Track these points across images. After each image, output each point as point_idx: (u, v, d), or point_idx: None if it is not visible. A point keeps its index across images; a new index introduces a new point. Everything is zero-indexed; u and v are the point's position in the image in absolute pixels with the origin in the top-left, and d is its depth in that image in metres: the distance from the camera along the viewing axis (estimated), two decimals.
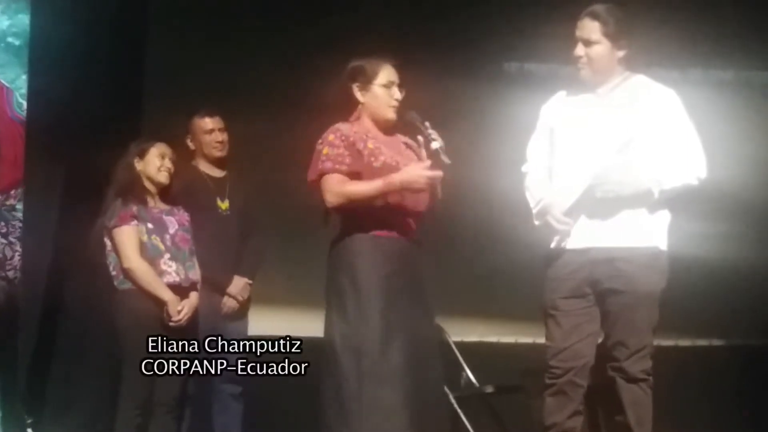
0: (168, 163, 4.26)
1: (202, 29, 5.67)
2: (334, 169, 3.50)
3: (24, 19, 5.07)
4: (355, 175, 3.51)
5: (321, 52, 5.59)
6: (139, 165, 4.24)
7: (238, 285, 4.57)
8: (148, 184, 4.24)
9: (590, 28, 3.55)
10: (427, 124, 3.56)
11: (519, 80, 5.85)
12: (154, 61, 5.56)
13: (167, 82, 5.53)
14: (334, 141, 3.54)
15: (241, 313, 4.63)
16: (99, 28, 5.19)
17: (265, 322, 5.02)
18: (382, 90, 3.60)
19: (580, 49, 3.57)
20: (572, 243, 3.53)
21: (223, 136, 4.67)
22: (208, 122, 4.65)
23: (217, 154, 4.66)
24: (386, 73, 3.61)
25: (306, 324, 5.57)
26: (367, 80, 3.61)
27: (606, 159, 3.45)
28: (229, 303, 4.56)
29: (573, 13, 3.67)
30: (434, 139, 3.52)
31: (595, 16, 3.55)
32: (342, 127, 3.59)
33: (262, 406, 4.90)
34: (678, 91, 3.60)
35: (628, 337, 3.46)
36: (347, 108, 3.66)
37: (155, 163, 4.24)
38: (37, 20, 5.04)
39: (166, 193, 4.29)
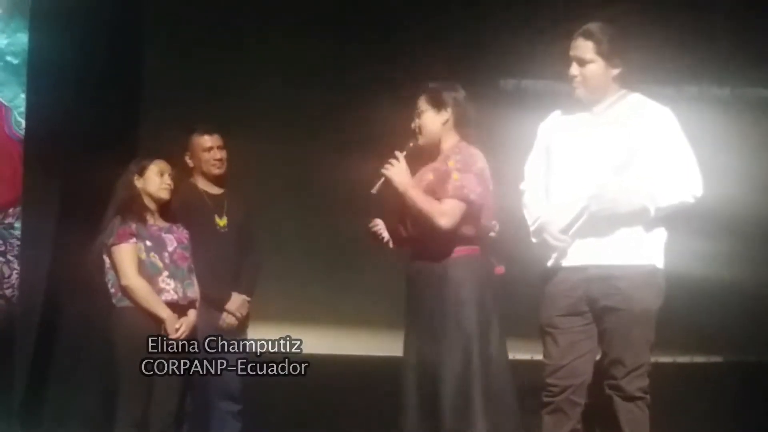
0: (168, 180, 4.26)
1: (199, 47, 5.70)
2: None
3: (22, 38, 5.09)
4: None
5: (320, 69, 5.63)
6: (138, 182, 4.24)
7: (237, 302, 4.57)
8: (147, 202, 4.24)
9: (584, 47, 3.56)
10: (396, 153, 3.81)
11: (515, 97, 5.87)
12: (152, 78, 5.59)
13: (165, 99, 5.55)
14: None
15: (241, 329, 4.62)
16: (97, 47, 5.21)
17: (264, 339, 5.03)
18: None
19: (574, 69, 3.58)
20: (569, 261, 3.53)
21: (221, 154, 4.68)
22: (207, 140, 4.66)
23: (216, 171, 4.66)
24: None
25: (304, 341, 5.61)
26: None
27: (603, 178, 3.46)
28: (228, 319, 4.55)
29: (569, 30, 3.69)
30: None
31: (588, 36, 3.56)
32: None
33: (260, 424, 4.88)
34: (674, 107, 3.61)
35: (625, 355, 3.44)
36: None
37: (155, 181, 4.24)
38: (35, 39, 5.07)
39: (165, 211, 4.29)
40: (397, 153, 3.77)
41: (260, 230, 4.80)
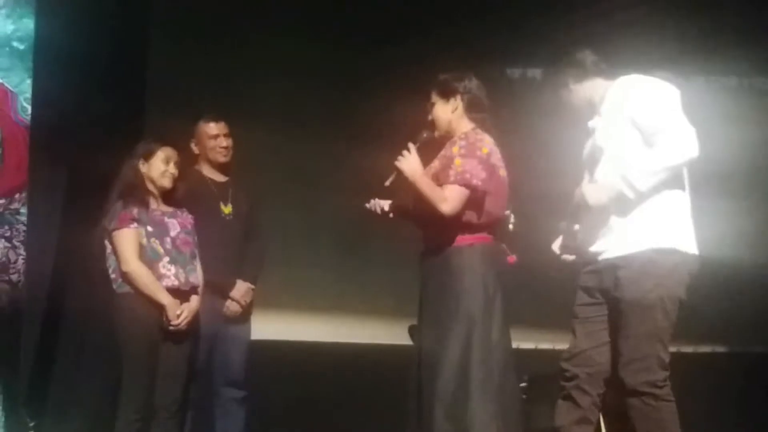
0: (172, 168, 4.23)
1: (205, 34, 5.69)
2: None
3: (29, 24, 5.08)
4: None
5: (326, 59, 5.62)
6: (143, 167, 4.22)
7: (241, 289, 4.57)
8: (151, 186, 4.22)
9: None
10: (410, 144, 3.77)
11: (521, 86, 5.85)
12: (158, 65, 5.59)
13: (171, 86, 5.55)
14: None
15: (244, 317, 4.62)
16: (103, 33, 5.20)
17: (268, 327, 5.03)
18: None
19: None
20: (586, 256, 3.58)
21: (227, 142, 4.67)
22: (213, 127, 4.65)
23: (221, 159, 4.66)
24: None
25: (308, 328, 5.61)
26: None
27: (583, 179, 3.55)
28: (232, 307, 4.55)
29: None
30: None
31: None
32: None
33: (265, 411, 4.89)
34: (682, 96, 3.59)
35: (624, 346, 3.41)
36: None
37: (160, 168, 4.21)
38: (41, 25, 5.06)
39: (170, 195, 4.26)
40: (410, 144, 3.76)
41: (265, 218, 4.80)
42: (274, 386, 5.06)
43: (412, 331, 4.02)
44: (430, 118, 3.88)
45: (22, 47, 5.09)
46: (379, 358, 5.16)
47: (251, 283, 4.61)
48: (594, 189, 3.44)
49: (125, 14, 5.33)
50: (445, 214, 3.70)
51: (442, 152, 3.84)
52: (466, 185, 3.70)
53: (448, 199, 3.70)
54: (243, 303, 4.58)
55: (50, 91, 5.04)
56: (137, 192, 4.17)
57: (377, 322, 5.57)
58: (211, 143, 4.64)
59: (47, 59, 5.06)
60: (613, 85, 3.56)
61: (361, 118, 5.53)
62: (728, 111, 5.48)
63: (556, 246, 3.74)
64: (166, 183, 4.23)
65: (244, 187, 4.70)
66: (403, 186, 3.76)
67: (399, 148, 3.79)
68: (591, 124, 3.59)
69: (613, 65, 3.63)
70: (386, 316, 5.39)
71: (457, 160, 3.72)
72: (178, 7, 5.71)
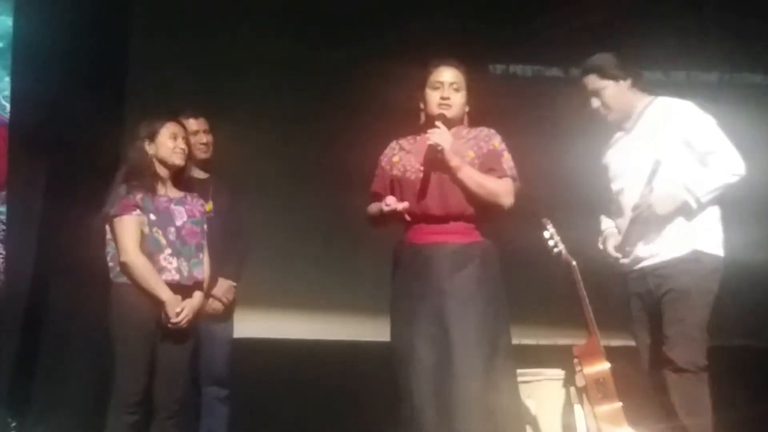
0: (182, 144, 3.96)
1: (186, 31, 5.67)
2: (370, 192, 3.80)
3: (7, 21, 5.06)
4: (376, 195, 3.75)
5: (307, 54, 5.61)
6: (150, 148, 3.92)
7: (223, 287, 4.54)
8: (160, 169, 3.94)
9: (592, 80, 3.85)
10: (438, 123, 3.65)
11: (505, 82, 5.86)
12: (138, 62, 5.56)
13: (151, 83, 5.52)
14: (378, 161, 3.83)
15: (226, 315, 4.60)
16: (82, 30, 5.19)
17: (251, 325, 5.02)
18: (430, 92, 3.72)
19: (594, 102, 3.86)
20: (630, 267, 3.86)
21: (207, 138, 4.66)
22: (193, 123, 4.62)
23: (201, 155, 4.64)
24: (435, 75, 3.72)
25: (291, 326, 5.59)
26: (421, 85, 3.75)
27: (641, 189, 3.70)
28: (213, 305, 4.52)
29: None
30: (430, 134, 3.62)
31: (591, 70, 3.86)
32: (389, 146, 3.82)
33: (248, 410, 4.87)
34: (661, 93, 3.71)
35: (672, 331, 3.66)
36: (418, 115, 3.81)
37: (168, 145, 3.93)
38: (20, 22, 5.04)
39: (180, 179, 4.01)
40: (438, 123, 3.62)
41: (247, 215, 4.77)
42: (257, 384, 5.04)
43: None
44: (455, 97, 3.68)
45: (0, 45, 5.06)
46: (364, 355, 5.14)
47: (233, 280, 4.59)
48: (662, 198, 3.67)
49: (105, 11, 5.32)
50: (506, 208, 3.67)
51: (473, 143, 3.70)
52: (515, 180, 3.71)
53: (510, 192, 3.67)
54: (224, 301, 4.56)
55: (29, 89, 5.02)
56: (143, 176, 3.90)
57: (362, 319, 5.55)
58: (191, 140, 4.60)
59: (26, 57, 5.04)
60: (653, 104, 3.84)
61: (345, 114, 5.52)
62: (708, 106, 5.51)
63: (611, 248, 3.87)
64: (178, 160, 3.96)
65: (226, 184, 4.68)
66: (426, 167, 3.63)
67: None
68: (628, 126, 3.86)
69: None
70: (371, 312, 5.36)
71: (506, 154, 3.71)
72: (159, 4, 5.69)
